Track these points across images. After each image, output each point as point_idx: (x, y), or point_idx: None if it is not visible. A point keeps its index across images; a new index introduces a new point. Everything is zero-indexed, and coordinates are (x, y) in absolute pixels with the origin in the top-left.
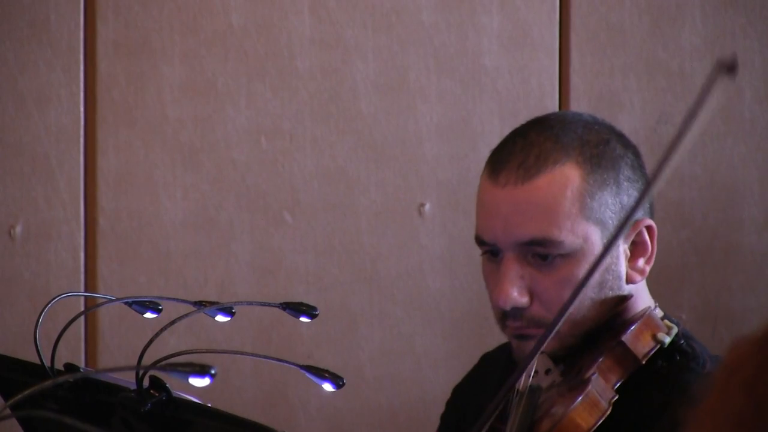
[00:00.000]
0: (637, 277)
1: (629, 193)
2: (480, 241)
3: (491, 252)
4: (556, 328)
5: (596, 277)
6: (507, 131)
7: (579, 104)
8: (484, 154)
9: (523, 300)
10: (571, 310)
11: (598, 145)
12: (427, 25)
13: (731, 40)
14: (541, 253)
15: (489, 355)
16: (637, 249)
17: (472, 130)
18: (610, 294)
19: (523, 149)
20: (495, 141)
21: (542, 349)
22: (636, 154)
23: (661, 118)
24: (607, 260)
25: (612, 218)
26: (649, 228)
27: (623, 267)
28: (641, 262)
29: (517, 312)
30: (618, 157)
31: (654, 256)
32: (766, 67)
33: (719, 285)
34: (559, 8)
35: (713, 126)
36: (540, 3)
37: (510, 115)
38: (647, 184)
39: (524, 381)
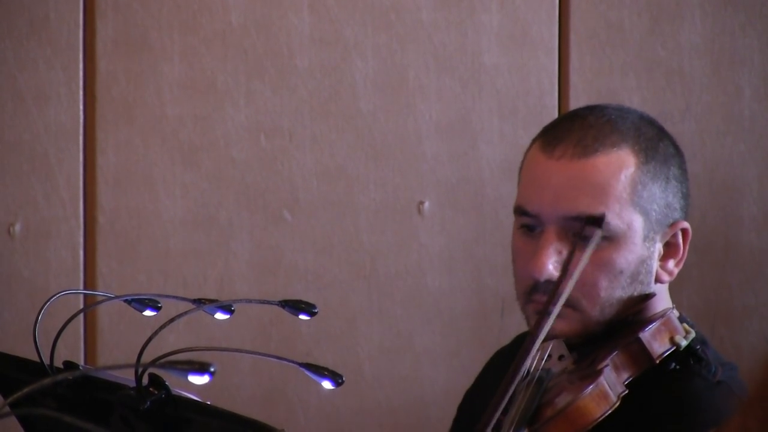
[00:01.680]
0: (665, 277)
1: (674, 193)
2: (521, 211)
3: (527, 226)
4: (561, 302)
5: (632, 267)
6: (506, 129)
7: (578, 103)
8: (484, 152)
9: (557, 275)
10: (603, 294)
11: (653, 138)
12: (427, 24)
13: (730, 39)
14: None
15: (491, 361)
16: (669, 250)
17: (471, 128)
18: (639, 289)
19: (582, 128)
20: (494, 139)
21: (566, 333)
22: (683, 158)
23: (661, 117)
24: (645, 254)
25: (656, 212)
26: (684, 231)
27: (656, 265)
28: (671, 263)
29: (548, 286)
30: (670, 156)
31: (684, 260)
32: (765, 65)
33: (718, 283)
34: (558, 7)
35: (712, 124)
36: (539, 1)
37: (509, 114)
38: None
39: (536, 363)
